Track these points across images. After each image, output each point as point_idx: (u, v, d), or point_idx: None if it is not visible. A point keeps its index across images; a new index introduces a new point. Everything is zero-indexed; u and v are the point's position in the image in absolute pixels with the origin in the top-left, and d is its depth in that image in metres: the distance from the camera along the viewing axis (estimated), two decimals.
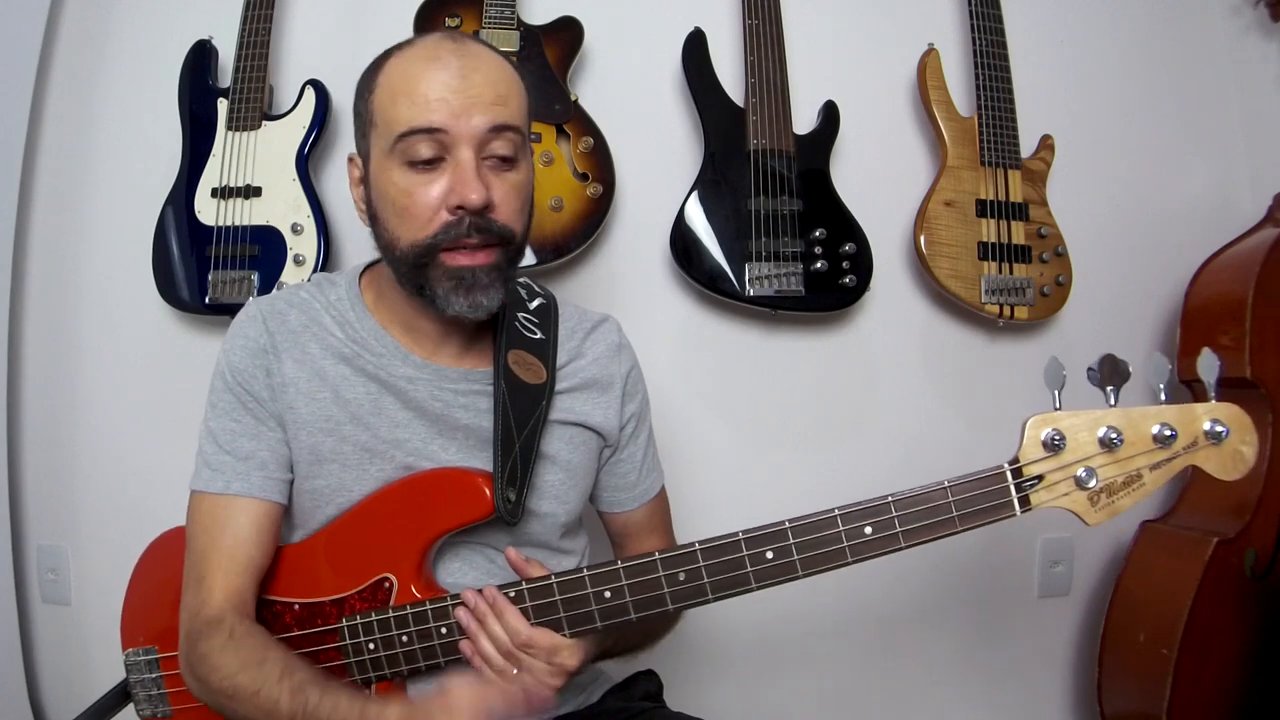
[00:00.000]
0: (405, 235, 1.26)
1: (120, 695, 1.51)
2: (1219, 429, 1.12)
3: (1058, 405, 1.14)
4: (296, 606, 1.33)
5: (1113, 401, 1.13)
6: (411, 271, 1.27)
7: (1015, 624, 2.35)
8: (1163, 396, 1.13)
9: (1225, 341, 2.06)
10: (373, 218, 1.32)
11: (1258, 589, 1.99)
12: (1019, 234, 2.15)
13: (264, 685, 1.18)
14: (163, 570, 1.42)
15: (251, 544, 1.30)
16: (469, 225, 1.23)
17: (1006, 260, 2.14)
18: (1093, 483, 1.12)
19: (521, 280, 1.52)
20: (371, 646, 1.28)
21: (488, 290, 1.26)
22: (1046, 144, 2.23)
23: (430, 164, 1.23)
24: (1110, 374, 1.12)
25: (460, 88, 1.22)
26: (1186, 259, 2.24)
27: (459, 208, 1.22)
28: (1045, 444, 1.12)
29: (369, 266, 1.44)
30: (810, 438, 2.27)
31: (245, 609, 1.29)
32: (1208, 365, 1.12)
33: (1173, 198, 2.39)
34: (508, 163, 1.26)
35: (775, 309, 2.10)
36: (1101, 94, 2.38)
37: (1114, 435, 1.12)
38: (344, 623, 1.29)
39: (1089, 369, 1.14)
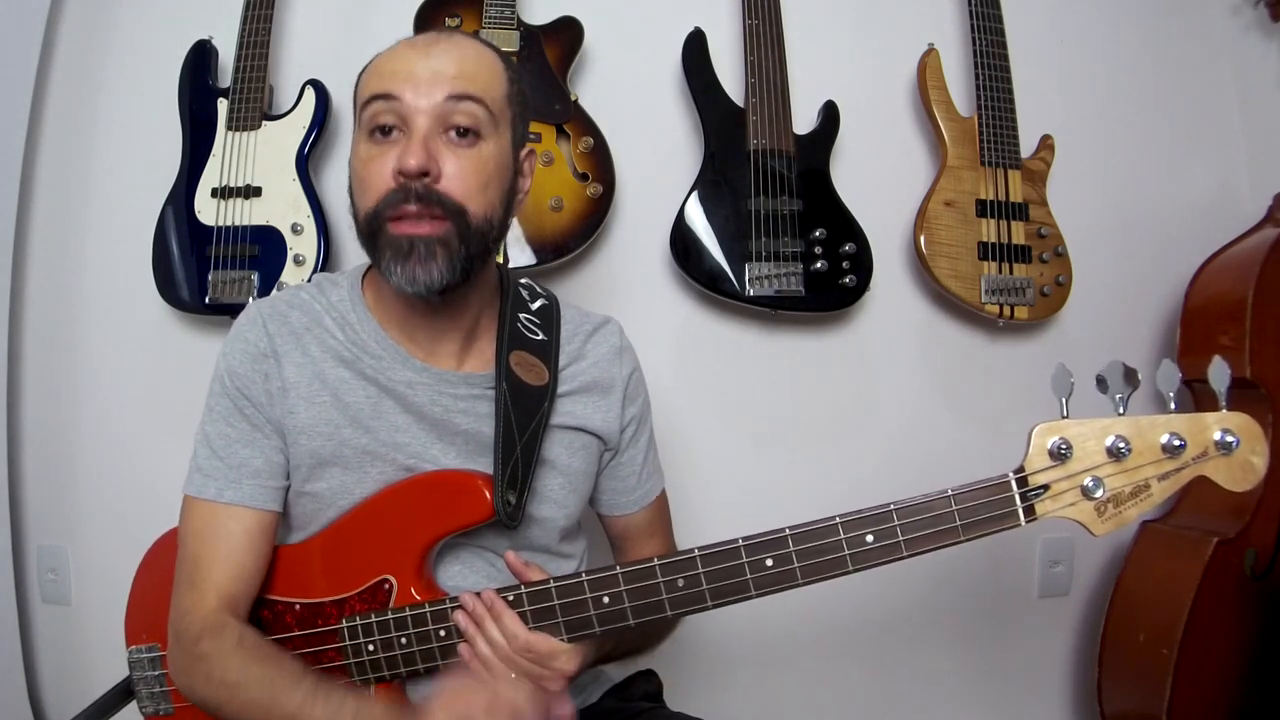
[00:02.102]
0: (362, 205, 1.27)
1: (123, 693, 1.52)
2: (1229, 439, 1.09)
3: (1065, 413, 1.12)
4: (297, 606, 1.34)
5: (1121, 410, 1.11)
6: (368, 244, 1.28)
7: (1015, 624, 2.35)
8: (1172, 405, 1.11)
9: (1225, 341, 2.06)
10: (351, 200, 1.32)
11: (1258, 589, 1.99)
12: (1019, 234, 2.15)
13: (279, 676, 1.19)
14: (167, 568, 1.41)
15: (245, 552, 1.30)
16: (410, 193, 1.22)
17: (1006, 260, 2.14)
18: (1099, 493, 1.10)
19: (523, 281, 1.52)
20: (371, 648, 1.28)
21: (427, 263, 1.23)
22: (1046, 144, 2.23)
23: (389, 135, 1.24)
24: (1119, 381, 1.10)
25: (425, 64, 1.24)
26: (1186, 259, 2.24)
27: (400, 173, 1.21)
28: (1052, 453, 1.10)
29: (372, 266, 1.44)
30: (810, 438, 2.27)
31: (242, 617, 1.29)
32: (1218, 374, 1.09)
33: (1173, 198, 2.39)
34: (469, 136, 1.25)
35: (775, 309, 2.09)
36: (1101, 94, 2.38)
37: (1122, 444, 1.09)
38: (344, 623, 1.29)
39: (1098, 376, 1.11)
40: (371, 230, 1.26)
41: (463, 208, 1.24)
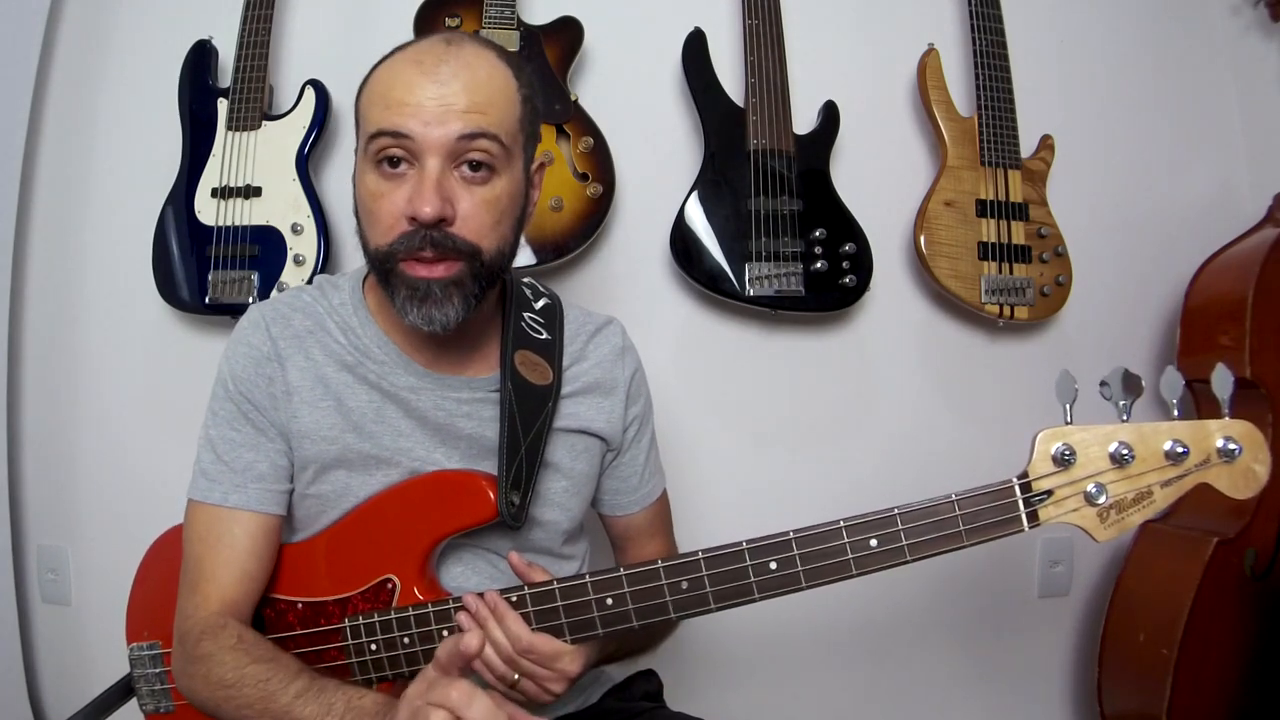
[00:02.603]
0: (372, 239, 1.25)
1: (123, 690, 1.52)
2: (1231, 446, 1.10)
3: (1068, 419, 1.12)
4: (300, 605, 1.34)
5: (1125, 416, 1.11)
6: (380, 275, 1.26)
7: (1015, 624, 2.35)
8: (1175, 413, 1.11)
9: (1225, 341, 2.06)
10: (357, 221, 1.30)
11: (1258, 589, 1.99)
12: (1019, 234, 2.15)
13: (274, 675, 1.18)
14: (169, 566, 1.41)
15: (248, 556, 1.30)
16: (424, 238, 1.20)
17: (1006, 260, 2.14)
18: (1102, 499, 1.10)
19: (526, 280, 1.52)
20: (374, 647, 1.28)
21: (442, 304, 1.22)
22: (1046, 144, 2.23)
23: (398, 168, 1.21)
24: (1123, 388, 1.10)
25: (435, 94, 1.19)
26: (1186, 259, 2.24)
27: (413, 219, 1.19)
28: (1055, 458, 1.11)
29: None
30: (810, 438, 2.27)
31: (245, 620, 1.29)
32: (1222, 381, 1.10)
33: (1173, 198, 2.39)
34: (481, 173, 1.22)
35: (775, 309, 2.09)
36: (1101, 94, 2.38)
37: (1125, 451, 1.10)
38: (346, 623, 1.29)
39: (1101, 383, 1.12)
40: (384, 268, 1.24)
41: (477, 249, 1.23)
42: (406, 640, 1.26)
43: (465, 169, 1.22)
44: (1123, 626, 2.14)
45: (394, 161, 1.21)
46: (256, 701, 1.18)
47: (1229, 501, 1.99)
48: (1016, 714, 2.36)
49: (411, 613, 1.26)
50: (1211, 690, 1.98)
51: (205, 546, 1.30)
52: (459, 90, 1.20)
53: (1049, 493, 1.12)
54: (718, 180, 2.08)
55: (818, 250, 2.06)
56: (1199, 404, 2.01)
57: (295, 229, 2.02)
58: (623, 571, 1.19)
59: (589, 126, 2.07)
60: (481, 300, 1.28)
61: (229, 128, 2.06)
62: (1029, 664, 2.38)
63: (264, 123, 2.06)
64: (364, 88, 1.28)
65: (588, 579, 1.20)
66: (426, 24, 2.07)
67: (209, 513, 1.31)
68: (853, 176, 2.16)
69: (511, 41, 2.05)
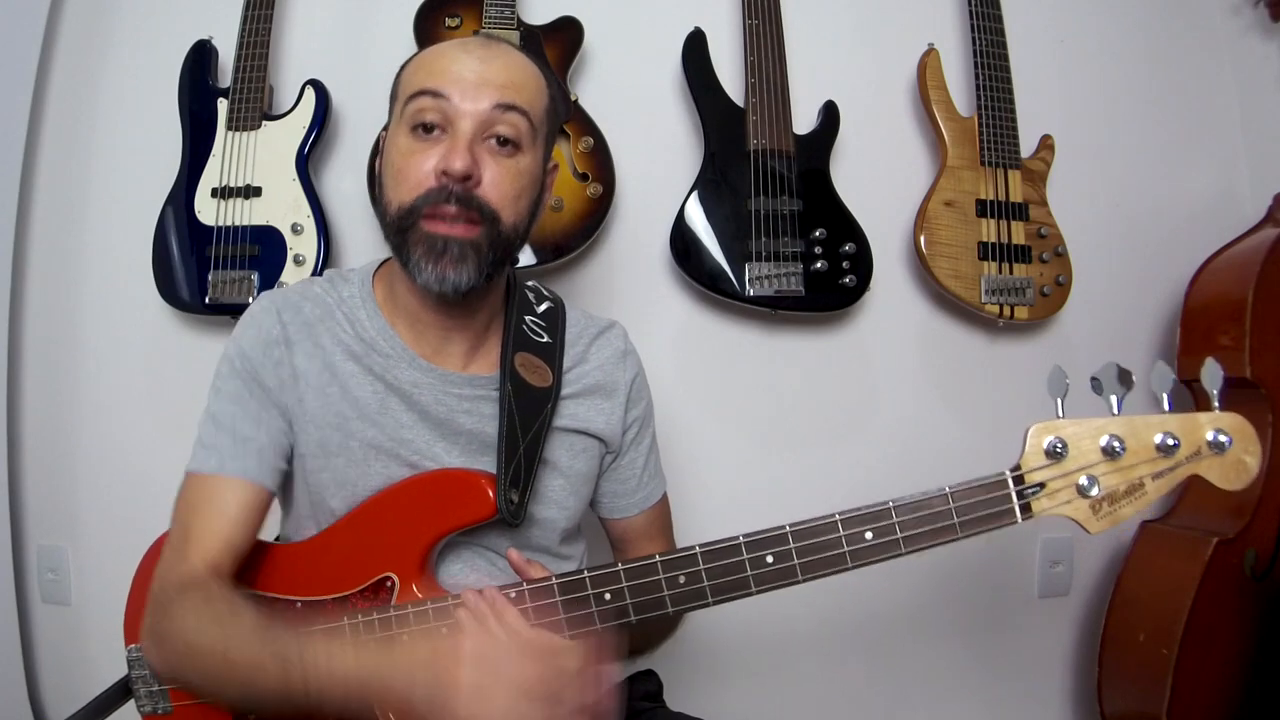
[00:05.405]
0: (396, 198, 1.28)
1: (121, 691, 1.51)
2: (1222, 439, 1.11)
3: (1060, 413, 1.14)
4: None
5: (1116, 410, 1.12)
6: (396, 237, 1.29)
7: (1015, 624, 2.35)
8: (1166, 405, 1.13)
9: (1225, 342, 2.06)
10: (380, 188, 1.34)
11: (1258, 589, 1.99)
12: (1019, 234, 2.15)
13: (233, 638, 1.16)
14: None
15: (236, 524, 1.29)
16: (450, 194, 1.24)
17: (1006, 260, 2.14)
18: (1095, 491, 1.12)
19: (530, 284, 1.53)
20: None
21: (457, 265, 1.25)
22: (1046, 144, 2.23)
23: (432, 133, 1.26)
24: (1114, 382, 1.12)
25: (475, 68, 1.27)
26: (1186, 259, 2.24)
27: (443, 173, 1.23)
28: (1047, 451, 1.12)
29: (384, 263, 1.45)
30: (810, 438, 2.27)
31: (224, 580, 1.27)
32: (1211, 375, 1.11)
33: (1173, 198, 2.39)
34: (508, 147, 1.28)
35: (775, 309, 2.09)
36: (1101, 94, 2.38)
37: (1116, 444, 1.11)
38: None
39: (1093, 377, 1.13)
40: (403, 225, 1.27)
41: (497, 214, 1.27)
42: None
43: (493, 142, 1.27)
44: (1123, 626, 2.13)
45: (428, 128, 1.26)
46: (220, 673, 1.17)
47: (1229, 501, 2.00)
48: (1016, 714, 2.36)
49: (411, 610, 1.26)
50: (1211, 690, 1.97)
51: (194, 513, 1.30)
52: (498, 69, 1.28)
53: (1041, 485, 1.13)
54: (718, 180, 2.08)
55: (818, 250, 2.06)
56: (1199, 404, 2.00)
57: (295, 229, 2.02)
58: (620, 566, 1.20)
59: (589, 126, 2.08)
60: (492, 276, 1.30)
61: (229, 128, 2.06)
62: (1029, 664, 2.37)
63: (264, 123, 2.06)
64: (405, 66, 1.35)
65: (586, 574, 1.21)
66: (426, 24, 2.07)
67: (203, 481, 1.31)
68: (853, 176, 2.15)
69: (511, 41, 2.05)
